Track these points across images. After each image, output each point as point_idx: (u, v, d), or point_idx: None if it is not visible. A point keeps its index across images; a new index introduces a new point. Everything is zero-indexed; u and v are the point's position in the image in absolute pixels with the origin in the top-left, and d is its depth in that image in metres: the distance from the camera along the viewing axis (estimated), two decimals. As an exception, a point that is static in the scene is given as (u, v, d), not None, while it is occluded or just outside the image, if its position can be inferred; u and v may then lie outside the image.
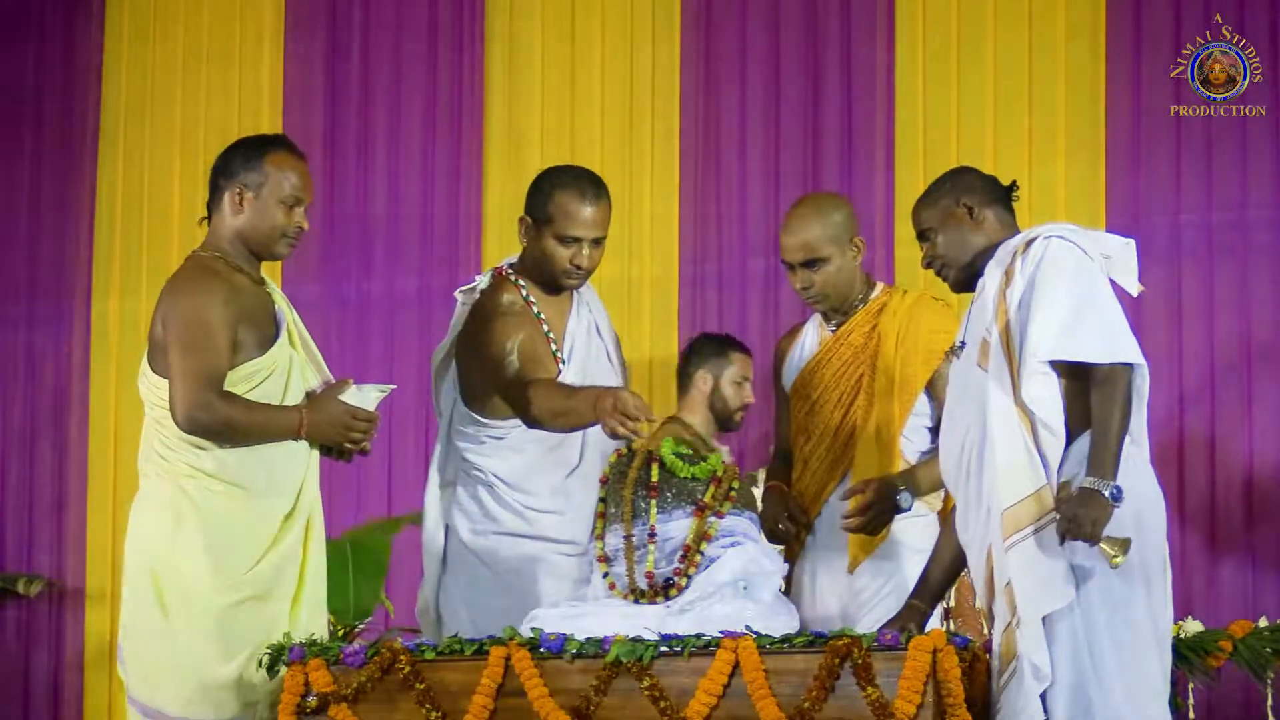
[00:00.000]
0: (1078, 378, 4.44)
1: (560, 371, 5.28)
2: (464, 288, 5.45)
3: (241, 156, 5.01)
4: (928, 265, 4.77)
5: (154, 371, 4.93)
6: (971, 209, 4.70)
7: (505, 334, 5.26)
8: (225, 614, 4.83)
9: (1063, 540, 4.35)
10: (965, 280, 4.72)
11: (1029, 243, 4.55)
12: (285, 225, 4.99)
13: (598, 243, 5.30)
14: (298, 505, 4.95)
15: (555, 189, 5.30)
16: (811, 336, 5.39)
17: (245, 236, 5.00)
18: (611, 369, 5.44)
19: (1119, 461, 4.36)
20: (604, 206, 5.31)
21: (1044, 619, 4.37)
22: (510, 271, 5.40)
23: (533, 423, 5.14)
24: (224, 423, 4.82)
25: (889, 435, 5.18)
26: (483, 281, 5.41)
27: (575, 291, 5.41)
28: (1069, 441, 4.44)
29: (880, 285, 5.36)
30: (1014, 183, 4.80)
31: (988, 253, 4.66)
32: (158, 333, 4.91)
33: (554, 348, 5.32)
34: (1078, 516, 4.31)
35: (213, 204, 5.05)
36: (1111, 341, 4.43)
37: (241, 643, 4.83)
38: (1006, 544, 4.40)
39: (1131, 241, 4.64)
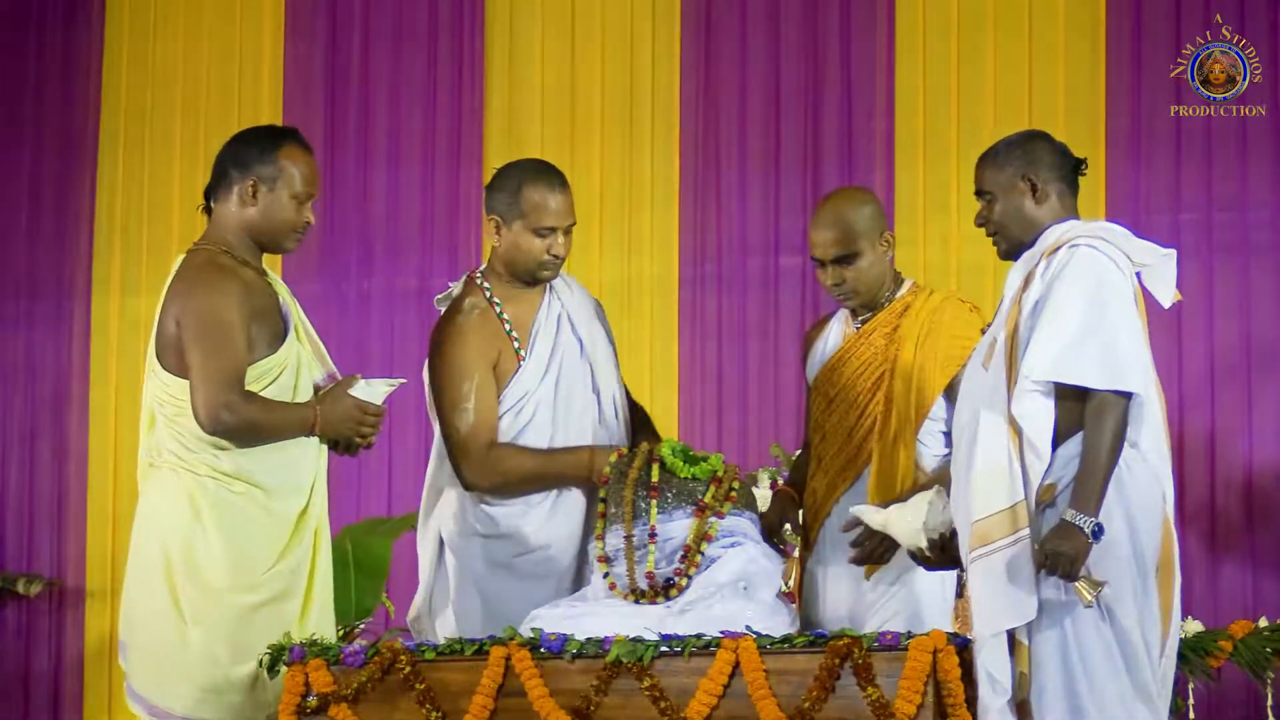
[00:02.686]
0: (1074, 396, 4.32)
1: (519, 367, 5.25)
2: (440, 296, 5.42)
3: (256, 148, 4.95)
4: (981, 225, 4.63)
5: (165, 369, 4.86)
6: (1036, 185, 4.53)
7: (462, 369, 5.22)
8: (244, 616, 4.80)
9: (1038, 571, 4.25)
10: (1015, 252, 4.57)
11: (1058, 247, 4.41)
12: (296, 220, 4.97)
13: (568, 231, 5.28)
14: (310, 503, 4.93)
15: (523, 184, 5.23)
16: (835, 332, 5.27)
17: (256, 230, 4.94)
18: (582, 363, 5.32)
19: (1104, 496, 4.24)
20: (570, 194, 5.31)
21: (1031, 625, 4.29)
22: (479, 275, 5.35)
23: (482, 489, 5.20)
24: (247, 423, 4.80)
25: (905, 440, 5.09)
26: (456, 289, 5.37)
27: (549, 285, 5.33)
28: (1057, 444, 4.33)
29: (907, 284, 5.22)
30: (1084, 160, 4.62)
31: (1043, 230, 4.52)
32: (170, 331, 4.85)
33: (515, 345, 5.28)
34: (1059, 552, 4.19)
35: (217, 193, 4.98)
36: (1111, 367, 4.29)
37: (258, 645, 4.78)
38: (971, 556, 4.32)
39: (1172, 252, 4.53)
